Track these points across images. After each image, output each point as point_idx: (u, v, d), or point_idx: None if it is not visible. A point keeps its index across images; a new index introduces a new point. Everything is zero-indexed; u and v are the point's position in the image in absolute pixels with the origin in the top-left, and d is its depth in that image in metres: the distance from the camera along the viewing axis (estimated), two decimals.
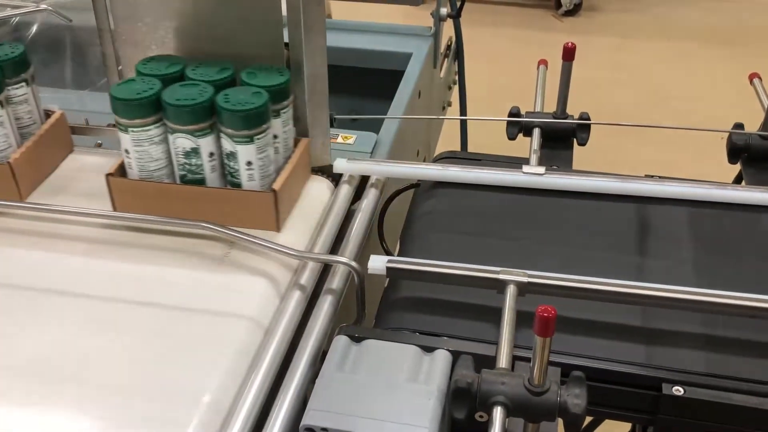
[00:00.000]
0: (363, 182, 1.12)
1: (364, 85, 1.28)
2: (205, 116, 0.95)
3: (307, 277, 0.93)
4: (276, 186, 0.98)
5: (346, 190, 1.09)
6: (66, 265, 0.95)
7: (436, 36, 1.66)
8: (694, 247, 1.00)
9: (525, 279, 0.85)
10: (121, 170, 1.00)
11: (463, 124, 1.92)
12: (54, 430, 0.76)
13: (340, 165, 1.11)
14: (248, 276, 0.93)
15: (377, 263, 0.89)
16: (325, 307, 0.90)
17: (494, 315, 0.85)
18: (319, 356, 0.84)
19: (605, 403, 0.84)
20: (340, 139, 1.23)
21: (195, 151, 0.96)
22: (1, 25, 1.27)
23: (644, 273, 0.96)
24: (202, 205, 0.98)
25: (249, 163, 0.96)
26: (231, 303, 0.90)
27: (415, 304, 0.92)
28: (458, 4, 1.71)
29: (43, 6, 1.08)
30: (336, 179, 1.12)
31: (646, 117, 2.93)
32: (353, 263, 0.92)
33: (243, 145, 0.95)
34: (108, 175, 0.99)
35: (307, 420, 0.74)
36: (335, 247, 1.01)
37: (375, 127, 1.28)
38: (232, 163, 0.97)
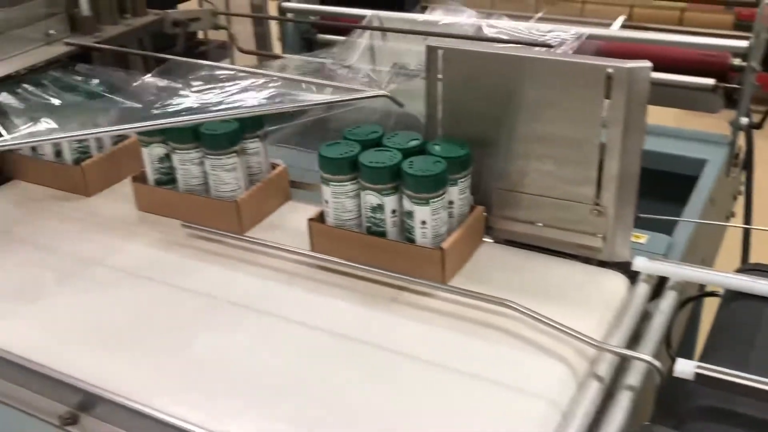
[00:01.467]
0: (660, 282, 1.12)
1: (652, 186, 1.35)
2: (392, 178, 1.10)
3: (604, 369, 0.93)
4: (445, 245, 1.09)
5: (644, 289, 1.09)
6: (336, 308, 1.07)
7: (733, 145, 1.63)
8: None
9: None
10: (321, 217, 1.18)
11: (746, 236, 1.90)
12: None
13: (640, 263, 1.10)
14: (542, 355, 0.96)
15: (685, 367, 0.88)
16: (623, 402, 0.89)
17: None
18: None
19: None
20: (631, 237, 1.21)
21: (380, 207, 1.11)
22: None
23: None
24: (381, 254, 1.12)
25: (423, 222, 1.09)
26: (528, 380, 0.93)
27: (722, 415, 0.89)
28: (762, 116, 1.70)
29: (381, 92, 1.21)
30: (631, 276, 1.12)
31: None
32: (656, 362, 0.91)
33: (420, 206, 1.08)
34: (309, 219, 1.17)
35: None
36: (630, 345, 1.00)
37: (658, 228, 1.27)
38: (409, 221, 1.10)
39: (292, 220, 1.26)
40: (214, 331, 1.04)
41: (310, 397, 0.92)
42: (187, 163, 1.24)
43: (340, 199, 1.13)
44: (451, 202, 1.12)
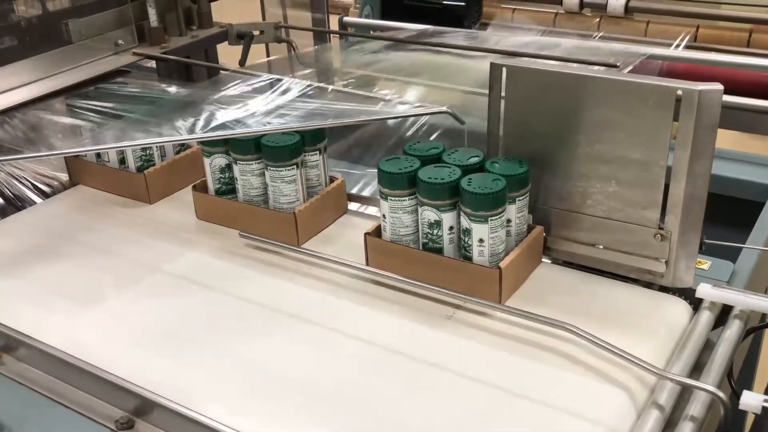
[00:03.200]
0: (723, 310, 1.09)
1: (715, 211, 1.34)
2: (450, 194, 1.09)
3: (665, 398, 0.91)
4: (502, 264, 1.08)
5: (707, 317, 1.06)
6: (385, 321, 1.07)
7: None
8: None
9: None
10: (378, 232, 1.18)
11: None
12: None
13: (704, 290, 1.07)
14: (601, 381, 0.94)
15: (752, 399, 0.86)
16: None
17: None
18: None
19: None
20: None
21: (438, 224, 1.11)
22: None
23: None
24: (437, 271, 1.11)
25: (481, 241, 1.08)
26: (585, 405, 0.91)
27: None
28: None
29: (443, 108, 1.22)
30: (694, 303, 1.10)
31: None
32: (720, 393, 0.88)
33: (477, 223, 1.07)
34: (366, 234, 1.17)
35: None
36: (691, 374, 0.98)
37: (721, 254, 1.23)
38: (466, 238, 1.09)
39: (349, 233, 1.26)
40: (267, 341, 1.04)
41: (360, 409, 0.92)
42: (248, 174, 1.25)
43: (397, 214, 1.13)
44: (509, 221, 1.11)
